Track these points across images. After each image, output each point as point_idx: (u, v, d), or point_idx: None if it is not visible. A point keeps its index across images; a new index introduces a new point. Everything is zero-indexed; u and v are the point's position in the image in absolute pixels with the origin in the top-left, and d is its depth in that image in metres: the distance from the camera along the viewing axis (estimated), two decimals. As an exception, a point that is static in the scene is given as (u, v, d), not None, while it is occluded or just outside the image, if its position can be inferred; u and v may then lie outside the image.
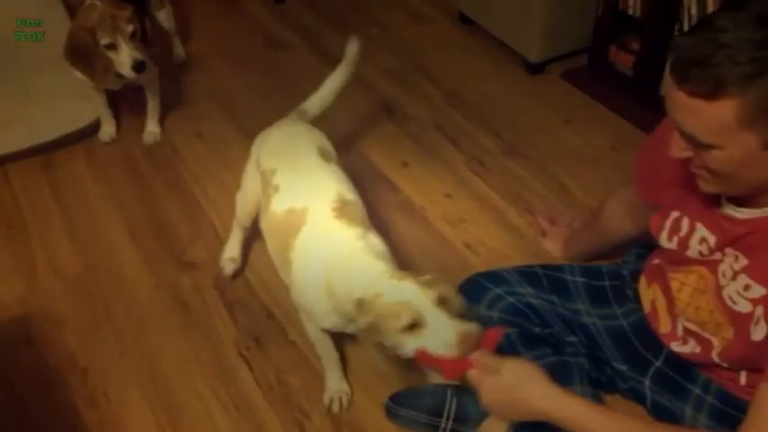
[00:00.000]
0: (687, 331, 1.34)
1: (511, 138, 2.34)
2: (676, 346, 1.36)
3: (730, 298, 1.20)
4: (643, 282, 1.48)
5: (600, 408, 1.22)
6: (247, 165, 1.73)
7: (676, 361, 1.38)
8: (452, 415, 1.49)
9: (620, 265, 1.60)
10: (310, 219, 1.43)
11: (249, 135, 2.29)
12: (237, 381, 1.67)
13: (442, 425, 1.50)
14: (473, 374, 1.20)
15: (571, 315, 1.50)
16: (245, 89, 2.56)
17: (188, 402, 1.62)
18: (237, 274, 1.89)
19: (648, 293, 1.45)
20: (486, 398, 1.21)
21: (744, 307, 1.18)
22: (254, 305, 1.83)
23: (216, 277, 1.90)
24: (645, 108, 2.33)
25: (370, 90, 2.55)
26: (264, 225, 1.58)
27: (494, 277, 1.53)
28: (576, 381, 1.39)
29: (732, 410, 1.29)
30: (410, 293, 1.22)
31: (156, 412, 1.60)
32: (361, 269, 1.32)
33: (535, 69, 2.60)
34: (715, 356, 1.29)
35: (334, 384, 1.62)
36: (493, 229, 2.03)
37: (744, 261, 1.17)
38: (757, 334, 1.15)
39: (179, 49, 2.68)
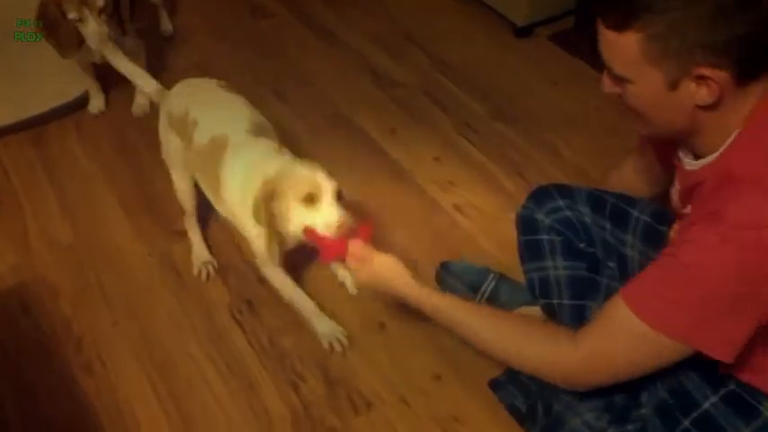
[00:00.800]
0: None
1: (499, 101, 2.34)
2: None
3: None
4: None
5: (457, 300, 1.32)
6: (161, 135, 1.79)
7: None
8: (487, 294, 1.72)
9: None
10: (231, 140, 1.58)
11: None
12: (231, 343, 1.69)
13: (477, 298, 1.71)
14: (350, 262, 1.41)
15: (615, 243, 1.51)
16: (232, 60, 2.56)
17: (182, 366, 1.64)
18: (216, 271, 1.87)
19: None
20: (359, 282, 1.49)
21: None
22: (246, 270, 1.85)
23: (208, 244, 1.91)
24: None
25: (358, 57, 2.55)
26: (190, 159, 1.69)
27: (563, 191, 1.56)
28: (599, 298, 1.47)
29: None
30: (318, 174, 1.43)
31: (151, 376, 1.62)
32: (273, 163, 1.50)
33: (522, 33, 2.60)
34: None
35: (325, 327, 1.68)
36: (482, 191, 2.04)
37: (688, 210, 1.19)
38: None
39: (166, 22, 2.68)
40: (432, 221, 1.96)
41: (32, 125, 2.29)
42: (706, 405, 1.20)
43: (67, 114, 2.34)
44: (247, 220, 1.54)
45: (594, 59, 2.64)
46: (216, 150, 1.58)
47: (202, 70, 2.49)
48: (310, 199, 1.42)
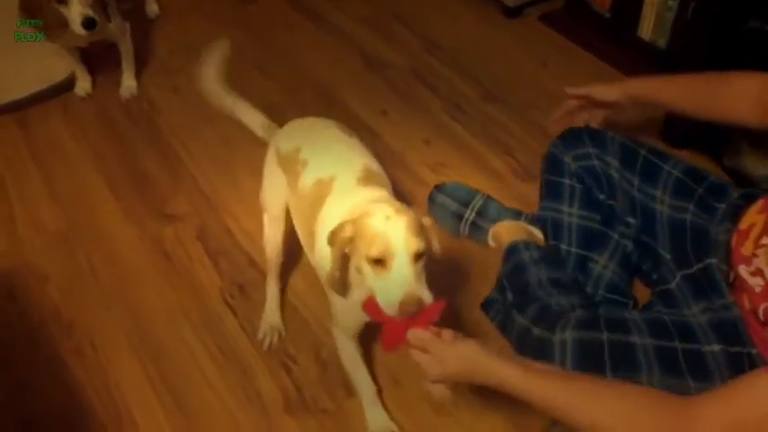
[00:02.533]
0: (759, 271, 1.28)
1: (489, 82, 2.34)
2: (744, 271, 1.30)
3: None
4: (760, 205, 1.37)
5: (550, 377, 1.17)
6: (265, 172, 1.60)
7: (711, 276, 1.36)
8: (477, 208, 1.80)
9: (731, 185, 1.50)
10: (336, 186, 1.38)
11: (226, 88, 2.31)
12: (223, 328, 1.68)
13: (467, 214, 1.80)
14: (413, 354, 1.19)
15: (642, 198, 1.50)
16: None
17: (174, 350, 1.64)
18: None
19: (752, 217, 1.36)
20: (435, 380, 1.30)
21: None
22: (237, 254, 1.84)
23: (198, 228, 1.91)
24: (622, 48, 2.34)
25: (347, 39, 2.54)
26: (293, 204, 1.50)
27: (596, 137, 1.57)
28: (605, 252, 1.54)
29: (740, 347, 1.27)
30: (394, 232, 1.16)
31: (142, 361, 1.62)
32: (363, 206, 1.25)
33: (512, 13, 2.59)
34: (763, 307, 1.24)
35: (376, 422, 1.48)
36: (472, 172, 2.04)
37: None
38: None
39: (152, 4, 2.65)
40: (424, 203, 1.95)
41: (18, 108, 2.27)
42: None
43: (54, 97, 2.32)
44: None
45: (584, 39, 2.65)
46: (319, 194, 1.39)
47: (189, 52, 2.47)
48: (379, 262, 1.17)
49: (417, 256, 1.16)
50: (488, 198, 1.82)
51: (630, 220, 1.54)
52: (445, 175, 2.02)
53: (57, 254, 1.86)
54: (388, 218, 1.17)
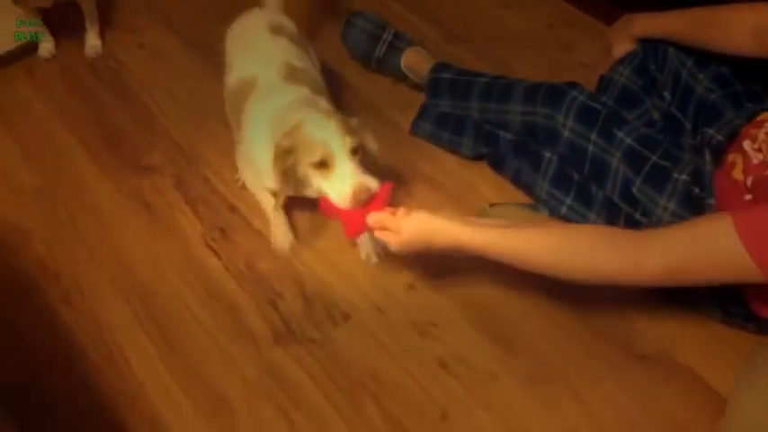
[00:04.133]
0: (761, 149, 1.40)
1: (452, 25, 2.37)
2: (748, 146, 1.42)
3: None
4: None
5: (504, 230, 1.29)
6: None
7: (708, 141, 1.53)
8: (393, 30, 2.04)
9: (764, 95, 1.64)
10: (259, 83, 1.55)
11: (191, 44, 2.33)
12: (207, 269, 1.72)
13: (384, 35, 2.03)
14: (380, 235, 1.34)
15: (687, 78, 1.67)
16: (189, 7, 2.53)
17: (161, 291, 1.68)
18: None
19: None
20: (398, 253, 1.37)
21: None
22: (216, 200, 1.87)
23: (175, 178, 1.93)
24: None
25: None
26: (225, 101, 1.70)
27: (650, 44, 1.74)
28: (634, 113, 1.69)
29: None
30: (329, 134, 1.31)
31: (131, 303, 1.66)
32: (299, 108, 1.43)
33: (470, -43, 2.62)
34: (752, 178, 1.37)
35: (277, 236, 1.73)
36: (441, 111, 2.08)
37: None
38: None
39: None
40: (395, 143, 1.99)
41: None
42: None
43: (17, 60, 2.30)
44: (254, 154, 1.55)
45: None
46: (242, 92, 1.54)
47: (152, 9, 2.47)
48: (323, 164, 1.31)
49: (354, 152, 1.32)
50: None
51: (666, 94, 1.70)
52: (414, 113, 2.06)
53: (37, 210, 1.87)
54: (320, 124, 1.33)
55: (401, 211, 1.33)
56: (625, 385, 1.48)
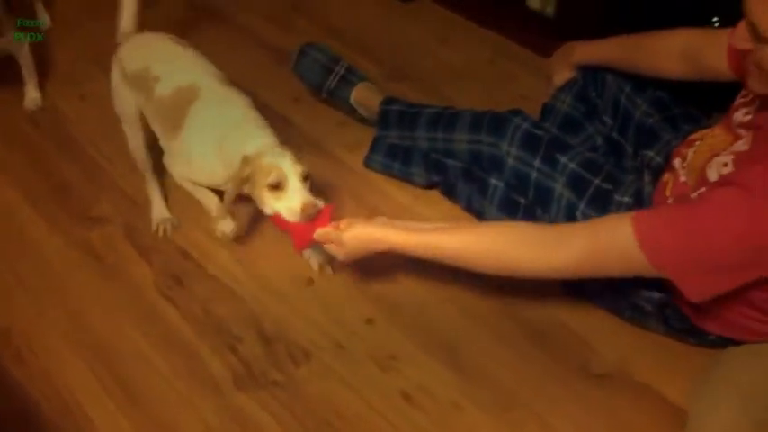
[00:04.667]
0: (687, 166, 1.46)
1: (393, 62, 2.42)
2: (678, 163, 1.50)
3: (712, 164, 1.34)
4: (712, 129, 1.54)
5: (438, 231, 1.41)
6: (112, 90, 1.84)
7: (648, 163, 1.62)
8: (346, 65, 2.12)
9: (701, 116, 1.71)
10: (203, 90, 1.67)
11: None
12: (164, 319, 1.70)
13: (337, 68, 2.11)
14: (327, 248, 1.50)
15: (626, 103, 1.74)
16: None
17: (118, 345, 1.65)
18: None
19: (703, 134, 1.54)
20: (343, 262, 1.56)
21: (711, 176, 1.32)
22: (168, 248, 1.86)
23: (125, 227, 1.91)
24: (514, 20, 2.47)
25: (249, 35, 2.58)
26: (150, 111, 1.77)
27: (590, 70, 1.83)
28: (577, 139, 1.76)
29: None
30: (284, 162, 1.50)
31: (88, 360, 1.62)
32: (254, 135, 1.59)
33: (406, -4, 2.69)
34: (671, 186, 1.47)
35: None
36: (388, 147, 2.12)
37: (744, 148, 1.29)
38: (696, 195, 1.32)
39: (42, 15, 2.61)
40: (346, 181, 2.02)
41: None
42: None
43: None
44: (193, 156, 1.68)
45: (477, 15, 2.76)
46: (183, 100, 1.66)
47: (90, 58, 2.46)
48: (277, 186, 1.49)
49: (305, 178, 1.50)
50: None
51: (607, 119, 1.77)
52: (363, 153, 2.08)
53: (-19, 269, 1.83)
54: (276, 154, 1.52)
55: (343, 223, 1.46)
56: (586, 405, 1.51)
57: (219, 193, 1.68)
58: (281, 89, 2.32)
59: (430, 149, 1.86)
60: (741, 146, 1.30)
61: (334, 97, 2.15)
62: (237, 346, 1.64)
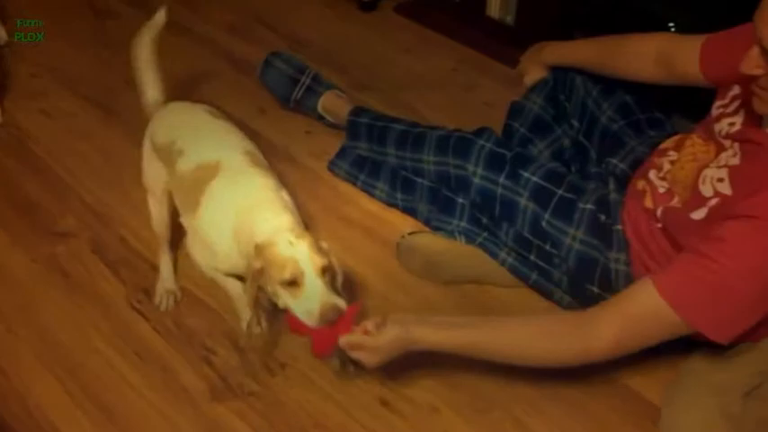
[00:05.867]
0: (665, 177, 1.49)
1: (357, 73, 2.44)
2: (654, 175, 1.51)
3: (704, 177, 1.35)
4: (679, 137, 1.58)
5: (470, 329, 1.39)
6: (143, 161, 1.71)
7: (614, 172, 1.66)
8: (312, 73, 2.15)
9: (668, 121, 1.75)
10: (224, 167, 1.50)
11: (95, 104, 2.30)
12: (136, 332, 1.68)
13: (303, 79, 2.13)
14: (360, 356, 1.36)
15: (593, 106, 1.76)
16: (82, 60, 2.49)
17: (90, 362, 1.62)
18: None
19: (673, 143, 1.57)
20: (373, 368, 1.41)
21: (706, 191, 1.33)
22: (137, 261, 1.84)
23: (92, 242, 1.88)
24: (475, 29, 2.51)
25: (213, 47, 2.57)
26: (173, 186, 1.62)
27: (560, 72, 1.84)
28: (545, 141, 1.81)
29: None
30: (300, 254, 1.31)
31: (59, 377, 1.59)
32: (267, 218, 1.41)
33: (367, 7, 2.70)
34: (662, 208, 1.45)
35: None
36: (356, 156, 2.13)
37: (736, 161, 1.31)
38: (696, 215, 1.32)
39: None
40: (314, 189, 2.02)
41: None
42: None
43: None
44: (210, 239, 1.50)
45: (439, 25, 2.80)
46: (203, 177, 1.50)
47: (51, 72, 2.43)
48: (293, 283, 1.31)
49: (323, 271, 1.32)
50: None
51: (575, 122, 1.80)
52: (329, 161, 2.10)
53: (-56, 289, 1.78)
54: (291, 243, 1.32)
55: (371, 325, 1.34)
56: (563, 405, 1.54)
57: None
58: (246, 100, 2.32)
59: (399, 167, 1.87)
60: (731, 158, 1.32)
61: (302, 107, 2.16)
62: (212, 357, 1.63)
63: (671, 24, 1.91)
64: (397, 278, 1.78)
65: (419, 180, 1.84)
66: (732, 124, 1.37)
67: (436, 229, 1.80)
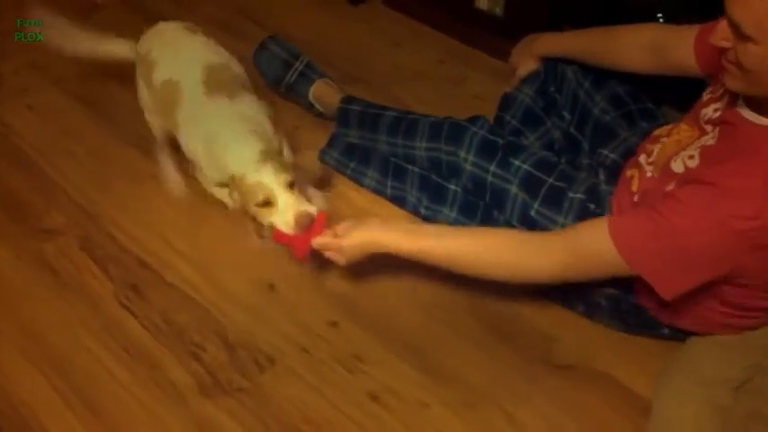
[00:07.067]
0: (653, 163, 1.49)
1: (346, 67, 2.42)
2: (644, 159, 1.53)
3: (677, 157, 1.37)
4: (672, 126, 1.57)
5: (442, 235, 1.46)
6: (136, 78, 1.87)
7: (605, 164, 1.67)
8: (306, 60, 2.14)
9: (660, 112, 1.76)
10: (185, 93, 1.67)
11: (82, 99, 2.28)
12: (125, 329, 1.67)
13: (297, 64, 2.13)
14: (328, 255, 1.51)
15: (585, 98, 1.77)
16: (68, 58, 2.47)
17: (78, 359, 1.62)
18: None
19: (666, 130, 1.57)
20: (345, 266, 1.54)
21: (677, 168, 1.35)
22: (125, 257, 1.83)
23: (80, 239, 1.87)
24: (464, 21, 2.50)
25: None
26: (149, 95, 1.81)
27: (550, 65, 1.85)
28: (536, 133, 1.82)
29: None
30: (267, 176, 1.50)
31: (47, 374, 1.58)
32: (234, 148, 1.58)
33: (356, 0, 2.69)
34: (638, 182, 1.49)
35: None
36: (345, 150, 2.12)
37: (711, 142, 1.32)
38: (667, 188, 1.34)
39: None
40: (302, 183, 2.01)
41: None
42: None
43: None
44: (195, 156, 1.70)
45: (428, 17, 2.78)
46: (170, 96, 1.68)
47: (36, 68, 2.41)
48: (267, 203, 1.51)
49: (290, 186, 1.51)
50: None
51: (566, 114, 1.81)
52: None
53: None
54: (256, 169, 1.51)
55: (340, 229, 1.48)
56: (552, 397, 1.54)
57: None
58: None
59: (390, 154, 1.87)
60: (708, 140, 1.34)
61: (293, 92, 2.15)
62: (201, 354, 1.63)
63: (659, 15, 1.90)
64: (391, 272, 1.78)
65: (410, 167, 1.83)
66: (717, 110, 1.37)
67: (426, 218, 1.80)
